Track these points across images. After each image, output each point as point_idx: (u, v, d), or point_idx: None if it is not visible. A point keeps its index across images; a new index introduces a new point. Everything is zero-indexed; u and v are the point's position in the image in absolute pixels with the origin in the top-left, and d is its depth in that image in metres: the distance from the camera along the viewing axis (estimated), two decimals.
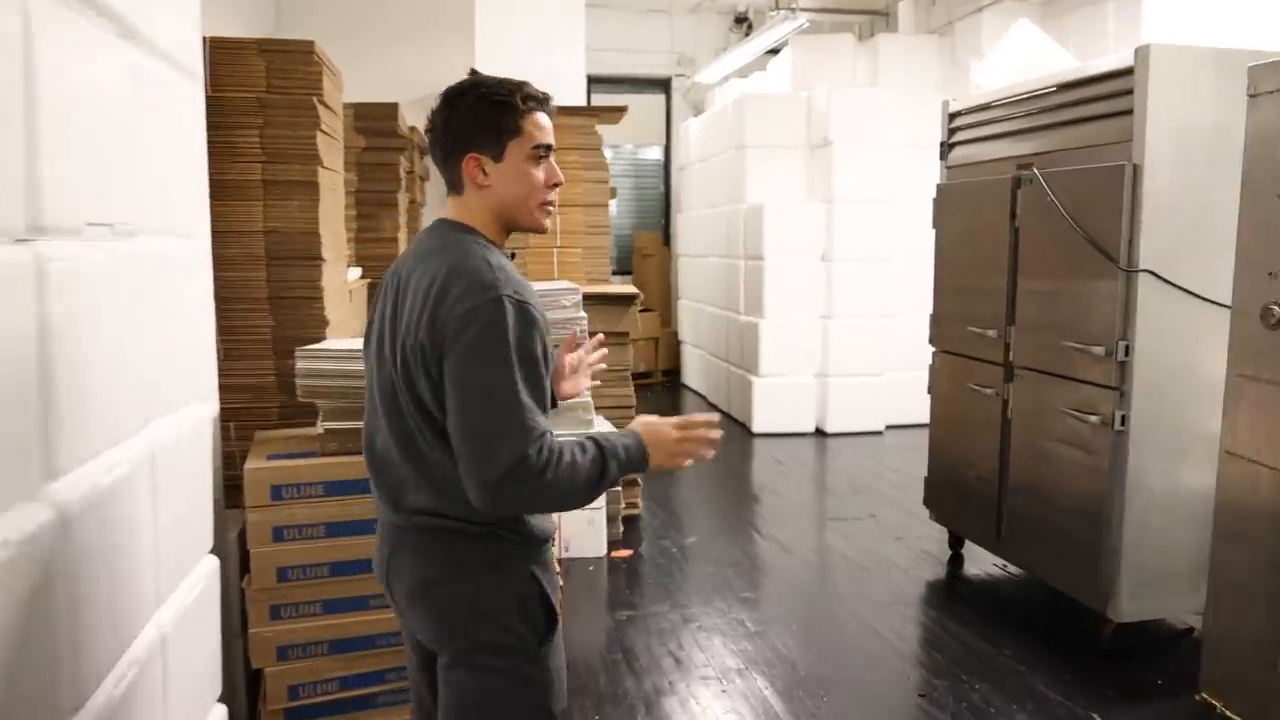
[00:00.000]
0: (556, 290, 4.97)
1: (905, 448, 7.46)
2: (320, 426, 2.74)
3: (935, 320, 4.71)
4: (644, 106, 12.00)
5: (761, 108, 8.01)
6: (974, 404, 4.32)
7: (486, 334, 1.57)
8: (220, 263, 2.71)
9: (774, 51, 9.56)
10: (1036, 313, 3.92)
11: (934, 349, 4.72)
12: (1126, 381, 3.45)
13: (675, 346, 10.64)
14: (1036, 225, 3.89)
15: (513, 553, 1.72)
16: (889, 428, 7.92)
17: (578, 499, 1.65)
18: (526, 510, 1.69)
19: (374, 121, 4.97)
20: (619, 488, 5.07)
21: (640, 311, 10.93)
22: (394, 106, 5.12)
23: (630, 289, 5.43)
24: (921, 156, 7.89)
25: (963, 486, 4.47)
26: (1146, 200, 3.37)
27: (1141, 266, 3.39)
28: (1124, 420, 3.46)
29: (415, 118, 6.99)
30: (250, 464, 2.63)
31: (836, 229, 7.64)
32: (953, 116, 4.59)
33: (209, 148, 2.46)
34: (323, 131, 3.00)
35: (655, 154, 12.03)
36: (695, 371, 9.86)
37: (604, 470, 1.64)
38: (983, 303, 4.26)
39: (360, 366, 2.40)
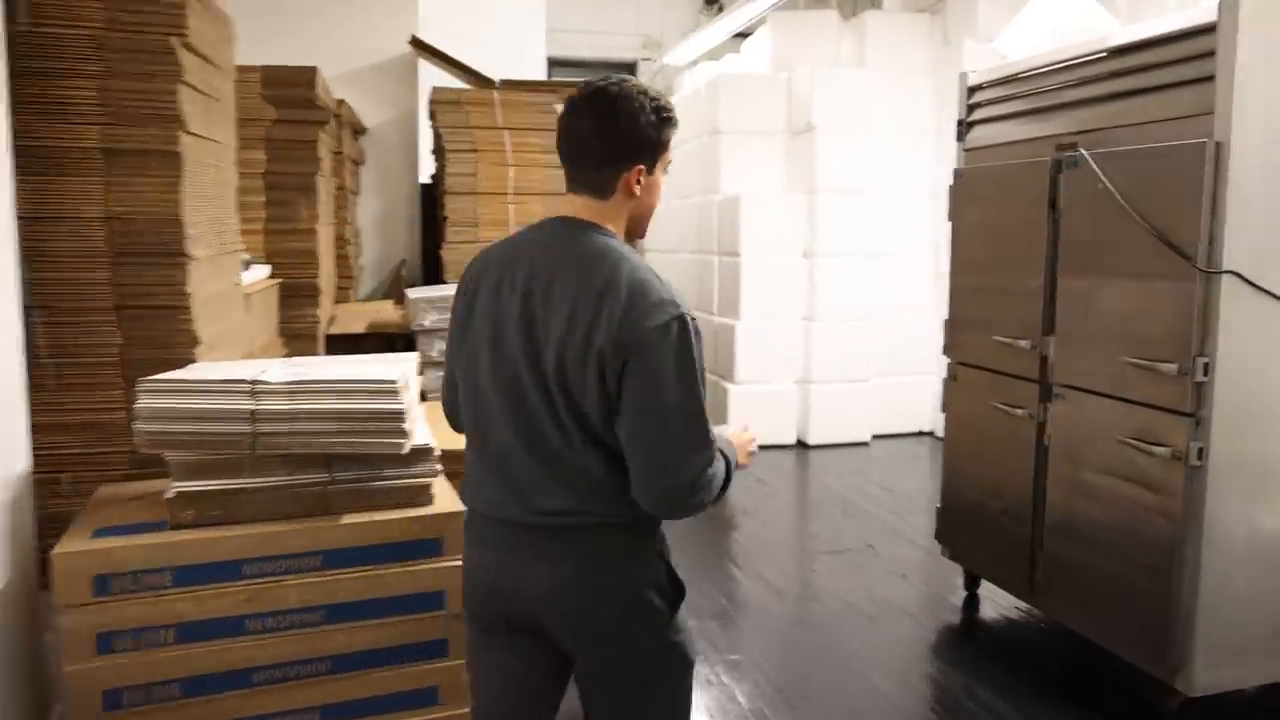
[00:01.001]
0: None
1: (895, 461, 6.83)
2: (170, 489, 2.03)
3: (952, 327, 4.05)
4: None
5: (738, 90, 7.33)
6: (1001, 426, 3.67)
7: (680, 353, 1.65)
8: (41, 259, 1.99)
9: (743, 35, 8.91)
10: (1083, 321, 3.27)
11: (949, 360, 4.07)
12: (1205, 407, 2.81)
13: None
14: (1083, 216, 3.24)
15: (644, 541, 1.81)
16: (876, 438, 7.29)
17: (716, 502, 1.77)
18: (690, 514, 1.76)
19: (285, 89, 4.23)
20: None
21: None
22: (311, 72, 4.38)
23: None
24: (912, 144, 7.29)
25: (986, 521, 3.82)
26: (1233, 186, 2.72)
27: (1225, 268, 2.75)
28: (1202, 454, 2.81)
29: (348, 91, 6.26)
30: (63, 545, 1.90)
31: (819, 222, 6.98)
32: (972, 91, 3.93)
33: (20, 102, 1.74)
34: (190, 86, 2.28)
35: None
36: None
37: (729, 475, 1.79)
38: (1013, 307, 3.61)
39: (246, 404, 2.13)
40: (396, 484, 2.30)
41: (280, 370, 2.25)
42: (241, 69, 4.10)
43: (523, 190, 5.36)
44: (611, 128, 1.72)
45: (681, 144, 8.53)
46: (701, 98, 7.78)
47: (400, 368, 2.40)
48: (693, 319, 1.70)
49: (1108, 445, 3.13)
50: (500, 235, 5.60)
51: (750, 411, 7.00)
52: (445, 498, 2.39)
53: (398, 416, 2.23)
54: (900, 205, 7.25)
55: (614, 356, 1.63)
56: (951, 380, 4.03)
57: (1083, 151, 3.19)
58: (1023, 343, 3.52)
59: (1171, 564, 2.90)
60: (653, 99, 1.76)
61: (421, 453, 2.32)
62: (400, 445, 2.23)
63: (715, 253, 7.46)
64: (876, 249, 7.12)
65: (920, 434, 7.49)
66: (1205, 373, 2.78)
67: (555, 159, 4.94)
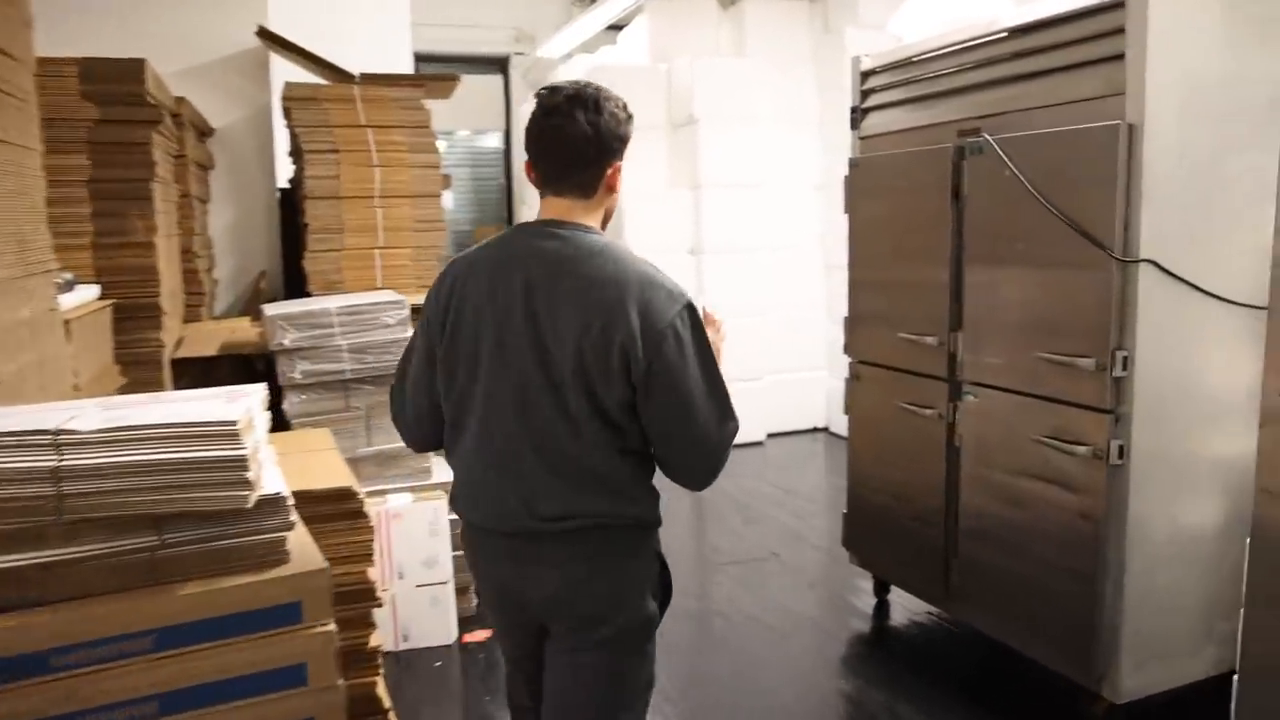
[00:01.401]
0: (376, 304, 3.91)
1: (791, 460, 6.68)
2: None
3: (852, 324, 3.86)
4: (480, 88, 10.91)
5: (614, 81, 6.97)
6: (909, 427, 3.50)
7: (696, 337, 1.75)
8: None
9: (618, 28, 8.64)
10: (992, 315, 3.11)
11: (851, 359, 3.88)
12: (1125, 403, 2.66)
13: None
14: (989, 205, 3.08)
15: (645, 539, 1.85)
16: (770, 436, 7.14)
17: None
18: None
19: (108, 85, 3.76)
20: None
21: None
22: (138, 65, 3.91)
23: None
24: (796, 135, 7.14)
25: (895, 526, 3.64)
26: (1148, 170, 2.58)
27: (1142, 256, 2.60)
28: (1123, 452, 2.67)
29: (190, 87, 5.74)
30: None
31: (705, 218, 6.79)
32: (865, 76, 3.74)
33: None
34: None
35: (494, 141, 10.95)
36: None
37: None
38: (917, 302, 3.44)
39: (47, 459, 1.77)
40: (242, 543, 1.95)
41: (93, 415, 1.88)
42: (54, 62, 3.63)
43: (390, 193, 4.96)
44: (600, 127, 1.78)
45: None
46: None
47: (243, 403, 2.05)
48: (693, 303, 1.78)
49: (1023, 445, 2.97)
50: (367, 241, 5.22)
51: None
52: (304, 553, 2.05)
53: (238, 464, 1.88)
54: (787, 198, 7.10)
55: (639, 349, 1.68)
56: (854, 380, 3.85)
57: (986, 137, 3.02)
58: (929, 339, 3.34)
59: (1095, 567, 2.75)
60: (615, 99, 1.87)
61: (271, 504, 1.97)
62: (243, 498, 1.88)
63: None
64: (764, 243, 6.96)
65: (815, 430, 7.37)
66: (1125, 367, 2.64)
67: (426, 159, 4.55)
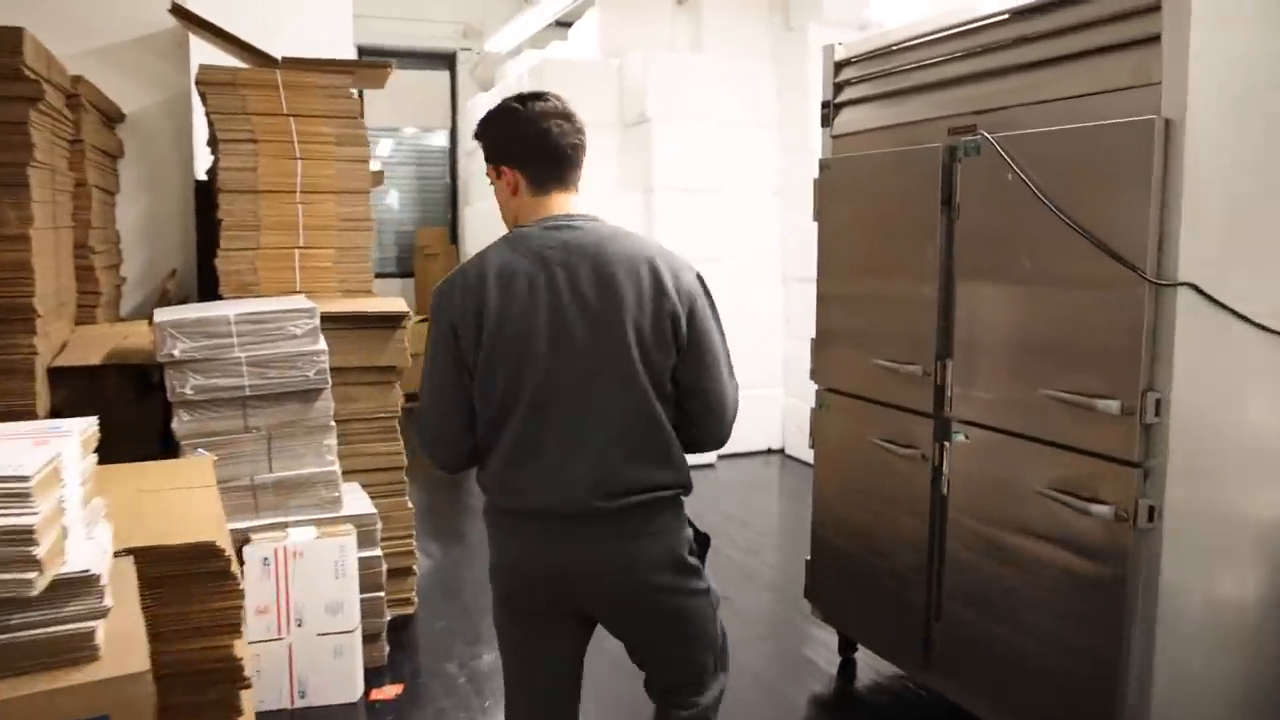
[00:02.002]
0: (280, 313, 3.39)
1: (745, 485, 6.24)
2: None
3: (820, 346, 3.43)
4: (426, 85, 10.39)
5: (564, 77, 6.58)
6: (885, 468, 3.06)
7: (711, 300, 1.97)
8: None
9: (567, 24, 8.19)
10: (990, 342, 2.68)
11: (818, 385, 3.44)
12: (1157, 454, 2.23)
13: None
14: (987, 213, 2.65)
15: (681, 507, 2.01)
16: (721, 458, 6.69)
17: None
18: None
19: None
20: (380, 590, 3.53)
21: (421, 321, 9.32)
22: (15, 34, 3.38)
23: (397, 306, 3.91)
24: (754, 137, 6.72)
25: (867, 580, 3.20)
26: (1189, 176, 2.15)
27: (1181, 279, 2.18)
28: (1154, 513, 2.24)
29: (97, 68, 5.18)
30: None
31: (657, 223, 6.32)
32: (840, 66, 3.31)
33: None
34: None
35: (440, 139, 10.43)
36: None
37: None
38: (898, 323, 3.00)
39: None
40: (31, 637, 1.45)
41: None
42: None
43: (313, 188, 4.44)
44: (583, 131, 1.97)
45: None
46: (525, 86, 7.00)
47: (50, 448, 1.55)
48: None
49: (1025, 497, 2.54)
50: (286, 240, 4.68)
51: None
52: (123, 647, 1.55)
53: (24, 535, 1.38)
54: (743, 204, 6.68)
55: (682, 314, 1.85)
56: (821, 409, 3.40)
57: (984, 135, 2.59)
58: (911, 368, 2.91)
59: (1116, 647, 2.31)
60: None
61: (75, 585, 1.48)
62: (26, 583, 1.38)
63: None
64: (719, 252, 6.50)
65: (769, 452, 6.94)
66: (1157, 412, 2.21)
67: (354, 153, 4.04)
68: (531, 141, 1.89)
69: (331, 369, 3.61)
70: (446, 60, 10.25)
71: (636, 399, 1.83)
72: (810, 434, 3.47)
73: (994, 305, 2.65)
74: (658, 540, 1.90)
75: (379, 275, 10.31)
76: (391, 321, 3.77)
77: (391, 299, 4.23)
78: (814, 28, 6.26)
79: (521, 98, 1.94)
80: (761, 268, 6.77)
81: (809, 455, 6.34)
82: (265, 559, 3.11)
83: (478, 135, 1.97)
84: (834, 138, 3.35)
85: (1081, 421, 2.36)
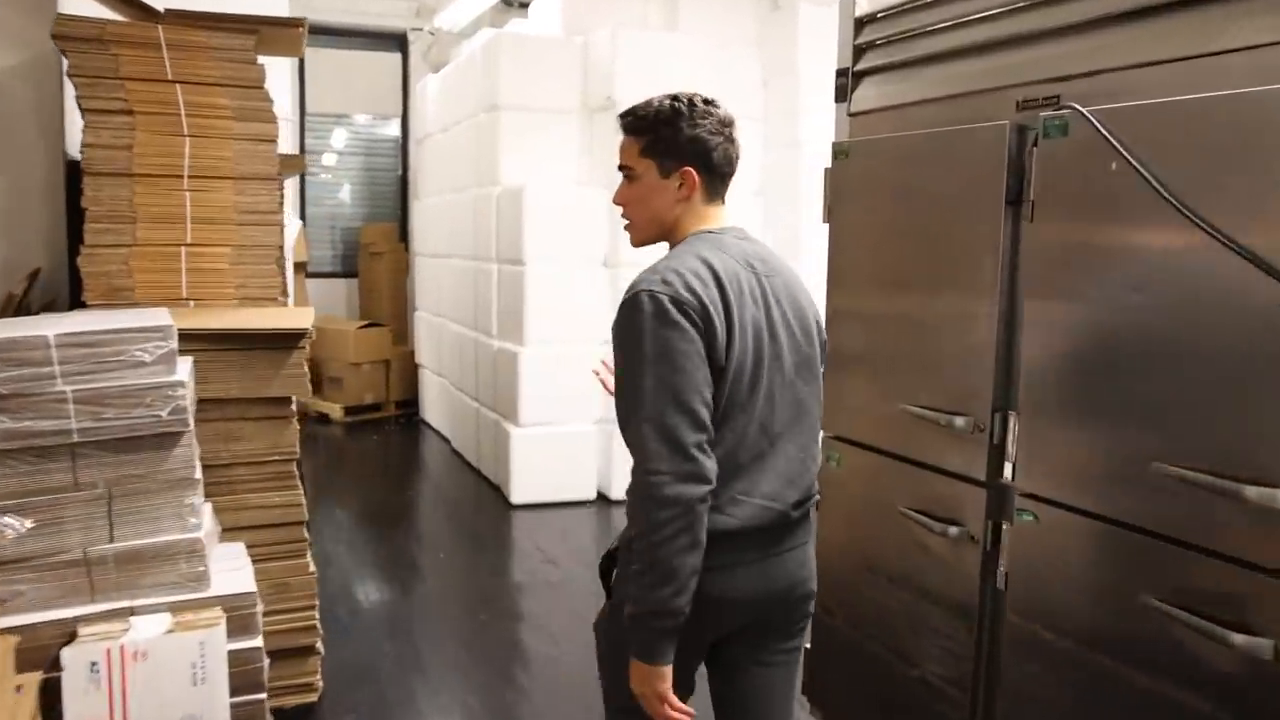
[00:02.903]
0: (121, 332, 2.60)
1: None
2: None
3: (827, 381, 2.69)
4: (376, 68, 9.59)
5: (522, 54, 5.83)
6: (916, 548, 2.34)
7: None
8: None
9: (524, 5, 7.45)
10: (1078, 392, 1.96)
11: (824, 432, 2.72)
12: None
13: (413, 371, 8.29)
14: (1077, 215, 1.93)
15: None
16: None
17: None
18: None
19: None
20: (261, 690, 2.75)
21: (365, 327, 8.51)
22: None
23: (296, 321, 3.14)
24: (744, 125, 5.98)
25: (887, 686, 2.48)
26: None
27: None
28: None
29: None
30: None
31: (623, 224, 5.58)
32: (861, 25, 2.57)
33: None
34: None
35: (394, 129, 9.64)
36: (437, 406, 7.56)
37: None
38: (940, 360, 2.29)
39: None
40: None
41: None
42: None
43: (205, 172, 3.66)
44: None
45: (453, 126, 6.96)
46: (477, 65, 6.23)
47: None
48: None
49: (1127, 609, 1.83)
50: (170, 235, 3.87)
51: (538, 460, 5.52)
52: None
53: None
54: (727, 202, 5.93)
55: (824, 328, 1.92)
56: (830, 464, 2.68)
57: (1075, 108, 1.87)
58: (958, 419, 2.19)
59: None
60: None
61: None
62: None
63: (493, 259, 5.94)
64: None
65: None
66: None
67: (258, 130, 3.23)
68: (721, 151, 1.84)
69: (209, 401, 2.86)
70: (398, 41, 9.46)
71: (819, 410, 1.88)
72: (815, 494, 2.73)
73: (1080, 341, 1.93)
74: (811, 546, 1.89)
75: (320, 275, 9.64)
76: (286, 341, 2.99)
77: (295, 311, 3.47)
78: (806, 7, 5.56)
79: (707, 99, 1.86)
80: None
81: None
82: (93, 665, 2.32)
83: (656, 123, 1.80)
84: (852, 116, 2.62)
85: (1239, 511, 1.64)
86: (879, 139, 2.49)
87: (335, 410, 7.97)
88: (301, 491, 3.10)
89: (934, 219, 2.29)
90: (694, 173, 1.80)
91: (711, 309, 1.64)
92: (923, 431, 2.29)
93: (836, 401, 2.60)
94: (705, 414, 1.62)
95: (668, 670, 1.64)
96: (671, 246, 1.82)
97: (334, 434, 7.71)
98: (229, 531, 2.92)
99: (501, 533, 5.20)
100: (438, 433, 7.51)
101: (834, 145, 2.61)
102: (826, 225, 2.64)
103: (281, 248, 3.94)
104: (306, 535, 3.12)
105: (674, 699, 1.66)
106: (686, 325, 1.62)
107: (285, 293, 4.26)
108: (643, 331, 1.61)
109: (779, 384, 1.75)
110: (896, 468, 2.40)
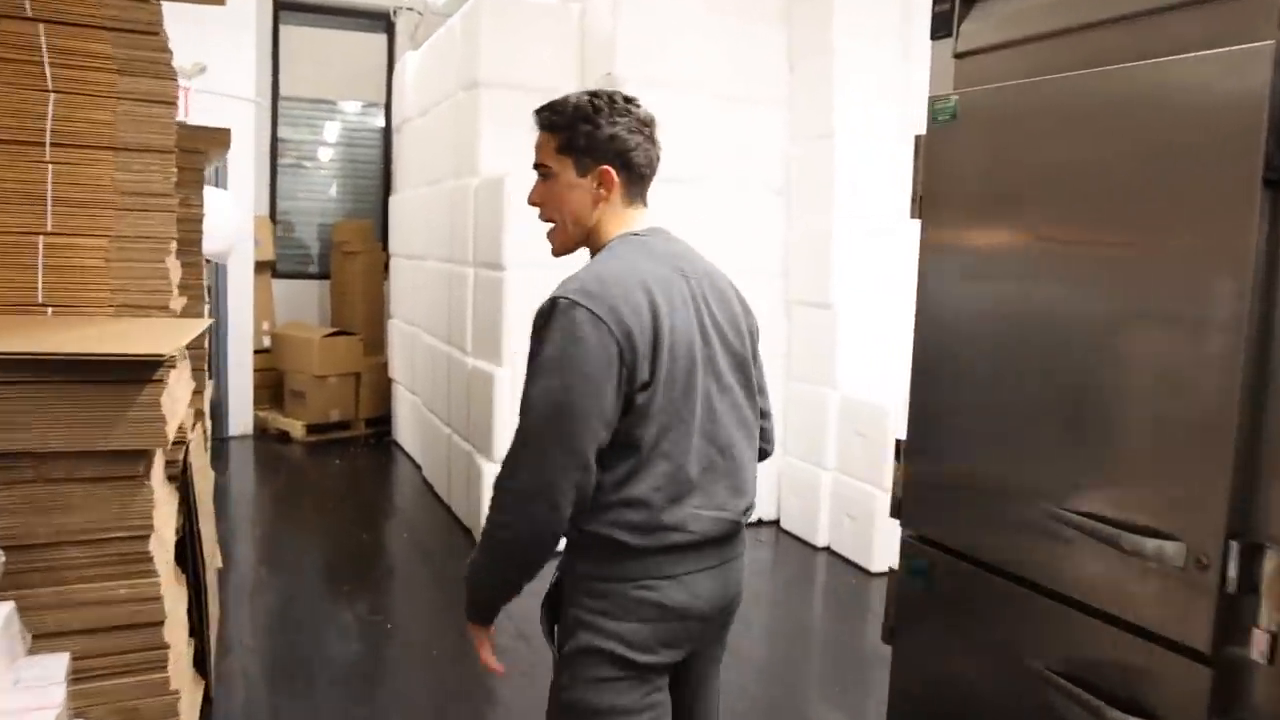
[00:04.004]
0: None
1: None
2: None
3: (912, 452, 1.82)
4: (359, 50, 8.74)
5: (507, 22, 4.95)
6: None
7: None
8: None
9: None
10: None
11: (905, 529, 1.84)
12: None
13: (386, 385, 7.42)
14: None
15: None
16: None
17: None
18: None
19: None
20: None
21: (331, 336, 7.57)
22: None
23: (154, 345, 2.24)
24: (754, 115, 5.10)
25: None
26: None
27: None
28: None
29: None
30: None
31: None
32: None
33: None
34: None
35: (378, 117, 8.80)
36: (409, 427, 6.68)
37: None
38: (1118, 436, 1.41)
39: None
40: None
41: None
42: None
43: (76, 140, 2.79)
44: None
45: (432, 108, 6.08)
46: (455, 37, 5.37)
47: None
48: None
49: None
50: (26, 220, 2.49)
51: None
52: None
53: None
54: (735, 201, 5.08)
55: (757, 329, 1.85)
56: (911, 578, 1.79)
57: None
58: (1158, 546, 1.31)
59: None
60: None
61: None
62: None
63: (470, 263, 5.07)
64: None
65: (760, 524, 5.35)
66: None
67: (150, 89, 2.49)
68: (641, 151, 1.74)
69: (21, 455, 2.01)
70: (382, 20, 8.61)
71: (756, 413, 1.80)
72: (885, 616, 1.86)
73: None
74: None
75: (289, 276, 8.78)
76: (136, 372, 2.11)
77: (172, 327, 2.60)
78: None
79: (619, 97, 1.76)
80: (757, 286, 5.15)
81: (809, 531, 4.77)
82: None
83: (574, 119, 1.71)
84: (959, 58, 1.74)
85: None
86: (1009, 87, 1.61)
87: (296, 428, 7.10)
88: (158, 576, 2.22)
89: (1118, 208, 1.41)
90: (612, 172, 1.72)
91: (633, 322, 1.57)
92: (1088, 553, 1.41)
93: (923, 482, 1.73)
94: (587, 443, 1.55)
95: (480, 629, 1.71)
96: (594, 253, 1.74)
97: (293, 455, 6.84)
98: (49, 638, 2.05)
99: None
100: (410, 458, 6.63)
101: (933, 103, 1.73)
102: (917, 221, 1.76)
103: (180, 241, 3.10)
104: (166, 643, 2.24)
105: (487, 652, 1.74)
106: (596, 345, 1.54)
107: (204, 298, 3.39)
108: (546, 342, 1.57)
109: (715, 391, 1.70)
110: (1032, 603, 1.52)
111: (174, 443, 2.83)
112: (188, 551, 3.18)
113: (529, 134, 4.09)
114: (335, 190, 8.84)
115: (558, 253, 1.82)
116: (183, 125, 4.75)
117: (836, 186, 4.78)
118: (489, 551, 1.62)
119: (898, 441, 1.81)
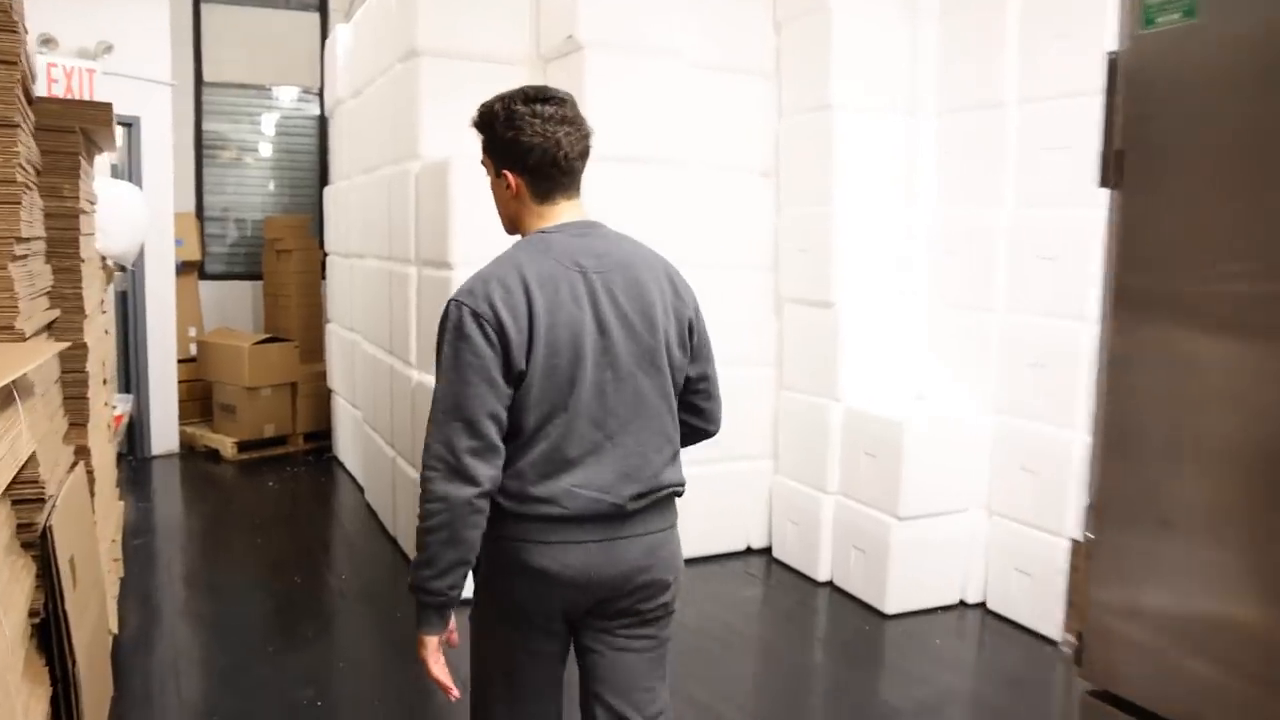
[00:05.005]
0: None
1: (715, 606, 3.98)
2: None
3: (1103, 579, 1.17)
4: (289, 30, 7.98)
5: None
6: None
7: None
8: None
9: None
10: None
11: (1083, 680, 1.19)
12: None
13: (326, 396, 6.69)
14: None
15: None
16: (687, 562, 4.44)
17: None
18: None
19: None
20: None
21: (263, 342, 6.74)
22: None
23: None
24: (737, 87, 4.45)
25: None
26: None
27: None
28: None
29: None
30: None
31: (588, 209, 4.02)
32: None
33: None
34: None
35: (314, 104, 8.05)
36: (352, 444, 5.97)
37: None
38: None
39: None
40: None
41: None
42: None
43: None
44: (588, 134, 1.90)
45: (365, 85, 5.37)
46: (390, 3, 4.66)
47: None
48: None
49: None
50: None
51: None
52: None
53: None
54: (716, 185, 4.45)
55: (694, 316, 1.94)
56: None
57: None
58: None
59: None
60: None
61: None
62: None
63: (412, 260, 4.37)
64: (681, 257, 4.25)
65: (749, 553, 4.73)
66: None
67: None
68: (540, 152, 1.82)
69: None
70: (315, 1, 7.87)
71: (667, 403, 1.89)
72: None
73: None
74: (673, 534, 1.93)
75: (220, 277, 8.00)
76: None
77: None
78: None
79: (528, 97, 1.85)
80: (742, 282, 4.54)
81: (808, 563, 4.22)
82: None
83: (477, 125, 1.90)
84: None
85: None
86: None
87: (226, 445, 6.35)
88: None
89: None
90: (510, 175, 1.85)
91: (507, 317, 1.73)
92: None
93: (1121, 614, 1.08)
94: (486, 424, 1.72)
95: (432, 640, 1.78)
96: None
97: (223, 476, 6.10)
98: None
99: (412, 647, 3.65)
100: (352, 477, 5.93)
101: (1123, 42, 1.07)
102: (1111, 191, 1.11)
103: (51, 241, 2.42)
104: None
105: (439, 668, 1.79)
106: (478, 338, 1.72)
107: (103, 308, 2.70)
108: (442, 342, 1.76)
109: (610, 380, 1.80)
110: None
111: (27, 501, 2.23)
112: (51, 636, 2.49)
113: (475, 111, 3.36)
114: (271, 184, 8.08)
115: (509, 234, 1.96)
116: (50, 99, 4.00)
117: (836, 167, 4.15)
118: (428, 547, 1.72)
119: (1074, 544, 1.16)
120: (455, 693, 1.82)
